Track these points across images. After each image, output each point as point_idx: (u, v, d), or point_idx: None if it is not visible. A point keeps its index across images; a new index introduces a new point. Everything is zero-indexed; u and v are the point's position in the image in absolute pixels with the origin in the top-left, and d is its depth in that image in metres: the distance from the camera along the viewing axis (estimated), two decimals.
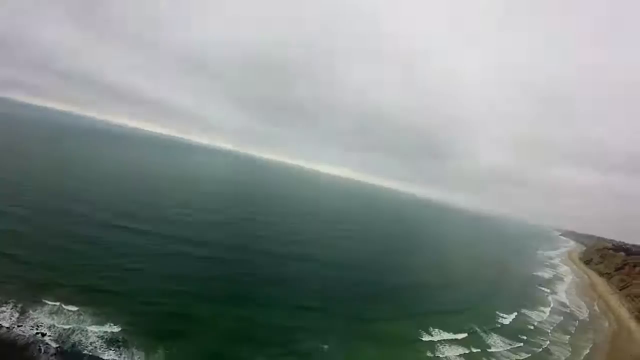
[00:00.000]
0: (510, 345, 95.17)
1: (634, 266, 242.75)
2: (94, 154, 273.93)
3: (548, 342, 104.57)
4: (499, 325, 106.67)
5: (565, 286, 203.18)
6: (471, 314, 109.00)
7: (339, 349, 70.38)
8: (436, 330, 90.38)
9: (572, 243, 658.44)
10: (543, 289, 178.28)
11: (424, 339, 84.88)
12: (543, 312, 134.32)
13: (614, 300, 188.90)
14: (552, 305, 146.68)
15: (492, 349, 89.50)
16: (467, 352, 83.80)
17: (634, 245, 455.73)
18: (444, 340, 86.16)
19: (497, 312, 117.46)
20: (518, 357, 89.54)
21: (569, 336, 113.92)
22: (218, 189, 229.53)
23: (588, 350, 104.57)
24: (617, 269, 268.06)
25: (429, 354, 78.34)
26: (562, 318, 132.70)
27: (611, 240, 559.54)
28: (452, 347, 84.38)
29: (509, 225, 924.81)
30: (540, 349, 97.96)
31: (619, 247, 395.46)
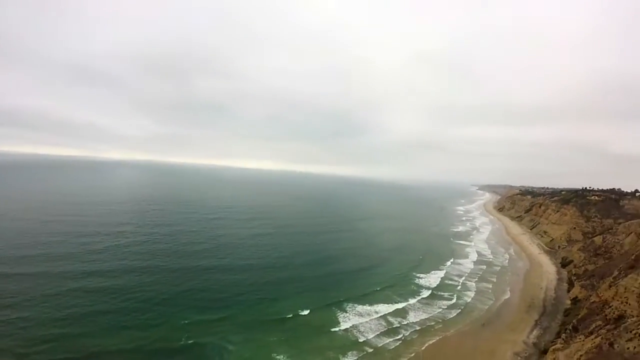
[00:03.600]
0: (439, 307, 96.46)
1: (540, 206, 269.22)
2: None
3: (473, 294, 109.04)
4: (424, 290, 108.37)
5: (484, 236, 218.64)
6: (395, 286, 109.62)
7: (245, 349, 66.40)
8: (357, 310, 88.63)
9: (487, 195, 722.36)
10: (464, 242, 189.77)
11: (343, 324, 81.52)
12: (465, 266, 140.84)
13: (526, 239, 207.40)
14: (473, 258, 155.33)
15: (417, 317, 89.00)
16: (390, 327, 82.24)
17: (539, 188, 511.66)
18: (365, 321, 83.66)
19: (421, 278, 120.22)
20: (444, 317, 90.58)
21: (491, 284, 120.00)
22: (124, 207, 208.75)
23: (508, 295, 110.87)
24: (526, 211, 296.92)
25: (351, 338, 75.92)
26: (484, 267, 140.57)
27: (521, 187, 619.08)
28: (374, 325, 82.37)
29: (430, 188, 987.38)
30: (466, 304, 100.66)
31: (526, 192, 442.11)
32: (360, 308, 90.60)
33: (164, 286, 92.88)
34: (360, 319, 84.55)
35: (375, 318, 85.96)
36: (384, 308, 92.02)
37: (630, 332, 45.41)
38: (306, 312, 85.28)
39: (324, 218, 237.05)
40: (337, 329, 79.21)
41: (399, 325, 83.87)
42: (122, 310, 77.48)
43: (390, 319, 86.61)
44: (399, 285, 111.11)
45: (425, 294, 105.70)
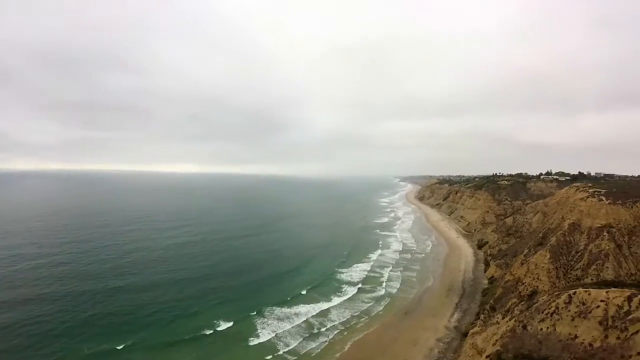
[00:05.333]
0: (364, 302, 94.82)
1: (456, 193, 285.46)
2: None
3: (398, 284, 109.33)
4: (349, 287, 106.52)
5: (406, 225, 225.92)
6: (320, 286, 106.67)
7: None
8: (280, 317, 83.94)
9: (409, 186, 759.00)
10: (388, 233, 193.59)
11: (264, 334, 75.90)
12: (390, 257, 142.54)
13: (445, 225, 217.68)
14: (398, 248, 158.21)
15: (342, 316, 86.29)
16: (313, 331, 78.50)
17: (456, 176, 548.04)
18: (288, 328, 78.84)
19: (346, 274, 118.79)
20: (370, 312, 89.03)
21: (415, 273, 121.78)
22: (24, 225, 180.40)
23: (431, 282, 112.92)
24: (445, 199, 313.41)
25: (272, 348, 70.81)
26: (408, 256, 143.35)
27: (439, 176, 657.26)
28: (297, 331, 78.13)
29: (354, 182, 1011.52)
30: (391, 296, 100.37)
31: (444, 181, 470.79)
32: (283, 314, 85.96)
33: (66, 314, 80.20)
34: (283, 326, 79.81)
35: (298, 323, 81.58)
36: (309, 310, 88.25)
37: (542, 312, 45.58)
38: (227, 325, 78.85)
39: (249, 220, 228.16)
40: (257, 340, 73.64)
41: (323, 327, 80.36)
42: (11, 349, 65.18)
43: (314, 321, 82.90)
44: (324, 285, 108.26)
45: (351, 290, 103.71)
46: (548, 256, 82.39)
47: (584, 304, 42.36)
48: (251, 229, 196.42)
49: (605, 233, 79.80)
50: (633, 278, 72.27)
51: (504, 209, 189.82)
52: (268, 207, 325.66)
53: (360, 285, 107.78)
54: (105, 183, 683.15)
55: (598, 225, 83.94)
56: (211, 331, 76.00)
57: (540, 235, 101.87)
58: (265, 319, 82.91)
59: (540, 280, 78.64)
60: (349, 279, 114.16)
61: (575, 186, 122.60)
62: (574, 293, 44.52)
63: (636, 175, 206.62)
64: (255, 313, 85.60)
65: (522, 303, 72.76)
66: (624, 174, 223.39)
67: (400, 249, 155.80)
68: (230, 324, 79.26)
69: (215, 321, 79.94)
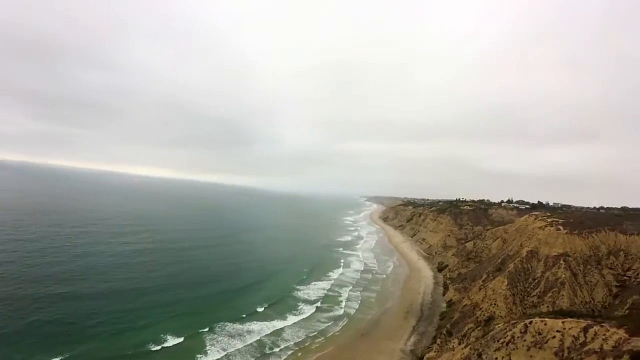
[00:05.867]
0: (321, 322, 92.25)
1: (420, 215, 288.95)
2: None
3: (357, 305, 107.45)
4: (307, 306, 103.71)
5: (369, 245, 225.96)
6: (278, 303, 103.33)
7: None
8: (232, 334, 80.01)
9: (374, 206, 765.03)
10: (351, 252, 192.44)
11: (213, 353, 72.08)
12: (351, 276, 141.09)
13: (407, 246, 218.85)
14: (359, 267, 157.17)
15: (297, 336, 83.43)
16: (266, 351, 75.14)
17: (420, 199, 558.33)
18: (240, 347, 75.25)
19: (306, 292, 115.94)
20: (326, 333, 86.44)
21: (375, 294, 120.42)
22: None
23: (390, 303, 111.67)
24: (408, 220, 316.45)
25: None
26: (369, 276, 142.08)
27: (404, 198, 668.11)
28: (249, 350, 74.75)
29: (321, 199, 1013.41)
30: (349, 316, 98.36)
31: (408, 203, 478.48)
32: (236, 331, 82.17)
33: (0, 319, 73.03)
34: (234, 344, 76.07)
35: (250, 342, 77.84)
36: (262, 329, 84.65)
37: (498, 341, 44.72)
38: (176, 341, 74.14)
39: (212, 230, 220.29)
40: (205, 359, 69.43)
41: (276, 347, 77.17)
42: None
43: (268, 340, 79.50)
44: (282, 302, 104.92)
45: (308, 309, 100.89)
46: (506, 282, 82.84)
47: (540, 333, 41.67)
48: (213, 239, 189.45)
49: (561, 261, 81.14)
50: (587, 306, 73.62)
51: (465, 234, 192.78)
52: (233, 218, 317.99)
53: (318, 304, 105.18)
54: (69, 180, 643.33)
55: (555, 254, 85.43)
56: (158, 347, 71.14)
57: (499, 261, 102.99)
58: (217, 336, 78.92)
59: (497, 306, 78.65)
60: (308, 297, 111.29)
61: (534, 215, 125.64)
62: (530, 322, 43.85)
63: (591, 206, 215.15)
64: (207, 329, 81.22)
65: (479, 329, 72.52)
66: (580, 205, 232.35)
67: (362, 269, 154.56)
68: (180, 339, 74.67)
69: (163, 336, 75.09)
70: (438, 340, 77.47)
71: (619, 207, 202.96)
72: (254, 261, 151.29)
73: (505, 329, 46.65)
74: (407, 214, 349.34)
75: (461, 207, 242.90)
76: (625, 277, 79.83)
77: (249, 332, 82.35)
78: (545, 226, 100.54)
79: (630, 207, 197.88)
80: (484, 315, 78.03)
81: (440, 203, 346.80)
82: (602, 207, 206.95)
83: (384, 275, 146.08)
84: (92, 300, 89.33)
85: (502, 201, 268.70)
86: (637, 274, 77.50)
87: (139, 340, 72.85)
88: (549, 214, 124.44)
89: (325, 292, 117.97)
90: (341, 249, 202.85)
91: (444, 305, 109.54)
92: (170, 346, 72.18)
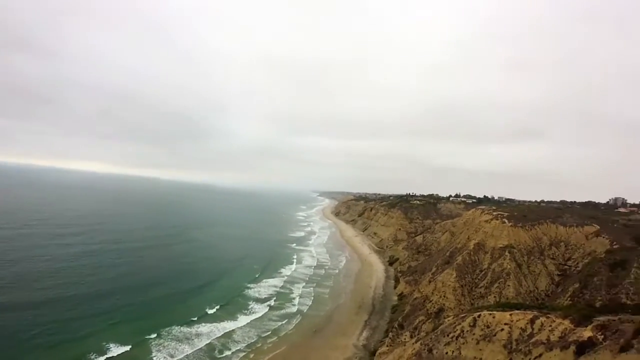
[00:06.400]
0: (273, 322, 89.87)
1: (371, 210, 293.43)
2: None
3: (310, 302, 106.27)
4: (259, 305, 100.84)
5: (322, 240, 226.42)
6: (229, 304, 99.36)
7: None
8: (180, 339, 75.90)
9: (327, 201, 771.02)
10: (303, 248, 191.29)
11: (158, 356, 68.37)
12: (303, 272, 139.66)
13: (359, 241, 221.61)
14: (312, 263, 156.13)
15: (249, 337, 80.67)
16: (216, 355, 71.92)
17: (372, 194, 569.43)
18: (189, 353, 71.30)
19: (257, 291, 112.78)
20: (279, 332, 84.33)
21: (328, 289, 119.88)
22: None
23: (343, 298, 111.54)
24: (360, 215, 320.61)
25: None
26: (322, 272, 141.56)
27: (356, 193, 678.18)
28: (198, 355, 71.02)
29: (274, 195, 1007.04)
30: (302, 314, 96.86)
31: (360, 198, 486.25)
32: (184, 335, 78.13)
33: None
34: (183, 350, 72.23)
35: (199, 347, 74.15)
36: (213, 331, 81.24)
37: (448, 335, 44.99)
38: (121, 349, 68.98)
39: (159, 229, 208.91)
40: None
41: (227, 350, 74.10)
42: None
43: (218, 343, 76.20)
44: (233, 303, 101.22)
45: (260, 308, 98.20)
46: (454, 274, 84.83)
47: (488, 327, 42.10)
48: (161, 238, 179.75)
49: (507, 253, 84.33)
50: (532, 295, 77.16)
51: (415, 228, 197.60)
52: (182, 215, 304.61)
53: (271, 303, 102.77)
54: (2, 177, 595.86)
55: (501, 246, 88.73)
56: (101, 358, 65.71)
57: (448, 254, 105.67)
58: (164, 341, 74.55)
59: (447, 298, 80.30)
60: (260, 295, 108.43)
61: (480, 209, 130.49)
62: (479, 316, 44.30)
63: (534, 200, 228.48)
64: (155, 335, 76.39)
65: (429, 321, 73.56)
66: (523, 199, 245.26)
67: (314, 265, 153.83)
68: (126, 348, 69.59)
69: (106, 345, 69.55)
70: (390, 334, 77.97)
71: (559, 200, 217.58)
72: (204, 260, 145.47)
73: (455, 323, 46.95)
74: (358, 209, 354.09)
75: (411, 202, 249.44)
76: (566, 267, 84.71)
77: (198, 335, 78.56)
78: (491, 219, 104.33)
79: (568, 200, 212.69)
80: (434, 308, 79.43)
81: (391, 198, 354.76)
82: (542, 201, 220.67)
83: (337, 271, 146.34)
84: (26, 310, 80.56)
85: (450, 196, 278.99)
86: (577, 264, 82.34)
87: (79, 351, 67.03)
88: (494, 208, 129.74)
89: (278, 289, 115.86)
90: (294, 244, 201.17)
91: (395, 298, 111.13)
92: (114, 356, 66.88)
